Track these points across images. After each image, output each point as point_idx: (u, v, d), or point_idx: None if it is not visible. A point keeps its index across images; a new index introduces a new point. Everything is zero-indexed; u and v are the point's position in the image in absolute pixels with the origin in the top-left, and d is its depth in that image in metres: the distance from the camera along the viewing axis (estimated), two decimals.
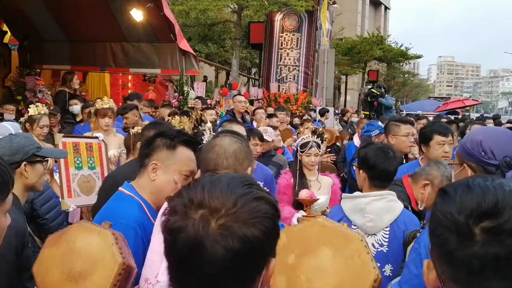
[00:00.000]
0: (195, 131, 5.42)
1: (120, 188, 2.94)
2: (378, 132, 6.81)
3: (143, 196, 2.84)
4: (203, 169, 2.66)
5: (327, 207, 5.25)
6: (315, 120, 14.88)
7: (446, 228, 1.33)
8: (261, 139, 6.21)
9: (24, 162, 3.41)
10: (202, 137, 4.29)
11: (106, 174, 6.24)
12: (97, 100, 7.19)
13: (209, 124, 4.50)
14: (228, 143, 2.66)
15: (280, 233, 1.88)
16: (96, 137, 6.37)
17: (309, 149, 5.51)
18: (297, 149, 5.66)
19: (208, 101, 13.44)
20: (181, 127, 6.64)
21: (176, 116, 7.02)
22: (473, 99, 48.02)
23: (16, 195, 3.32)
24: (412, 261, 2.78)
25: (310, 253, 2.17)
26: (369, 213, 3.58)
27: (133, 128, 5.96)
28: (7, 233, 1.97)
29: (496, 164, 2.35)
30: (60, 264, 2.22)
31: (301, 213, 5.17)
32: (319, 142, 5.64)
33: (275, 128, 8.06)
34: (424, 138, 4.95)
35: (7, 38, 12.42)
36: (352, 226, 3.63)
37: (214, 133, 4.46)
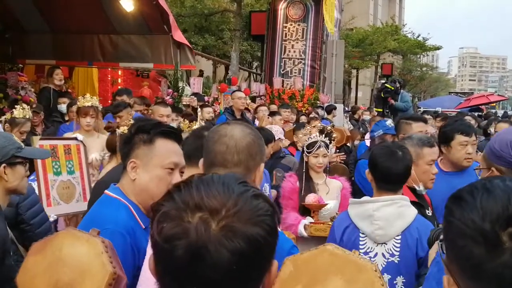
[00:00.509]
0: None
1: (106, 191, 2.91)
2: (382, 132, 6.67)
3: (130, 198, 2.81)
4: (207, 162, 2.51)
5: (336, 213, 5.17)
6: (323, 118, 14.86)
7: (470, 238, 1.30)
8: (271, 140, 6.20)
9: (4, 164, 3.43)
10: None
11: (86, 178, 6.24)
12: (79, 97, 7.18)
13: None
14: (241, 135, 2.48)
15: (287, 261, 2.02)
16: (75, 138, 6.34)
17: (317, 149, 5.46)
18: (303, 150, 5.62)
19: (205, 98, 13.45)
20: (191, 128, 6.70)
21: (185, 120, 7.04)
22: (498, 95, 47.58)
23: None
24: (432, 276, 2.65)
25: (319, 285, 2.12)
26: (378, 220, 3.57)
27: (118, 128, 5.99)
28: None
29: None
30: (46, 274, 2.20)
31: (308, 220, 5.14)
32: (328, 142, 5.62)
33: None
34: (444, 138, 4.91)
35: None
36: (360, 234, 3.66)
37: None
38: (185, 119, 7.24)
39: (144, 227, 2.76)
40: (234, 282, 1.30)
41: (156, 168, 2.79)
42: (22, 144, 3.67)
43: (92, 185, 6.52)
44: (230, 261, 1.26)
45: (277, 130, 7.31)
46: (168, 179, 2.79)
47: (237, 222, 1.28)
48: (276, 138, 6.97)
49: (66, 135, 7.01)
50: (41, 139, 5.39)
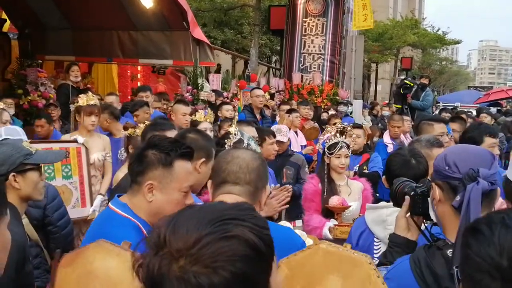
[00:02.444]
0: (223, 132, 5.42)
1: (111, 206, 2.89)
2: None
3: (140, 216, 2.79)
4: (219, 180, 2.65)
5: (359, 215, 5.05)
6: (346, 115, 14.63)
7: (487, 274, 1.31)
8: (274, 136, 6.28)
9: (13, 173, 3.43)
10: (226, 141, 4.35)
11: (87, 182, 6.19)
12: (80, 96, 7.00)
13: (232, 129, 4.48)
14: (251, 158, 2.68)
15: (281, 265, 2.04)
16: (75, 141, 6.27)
17: (339, 150, 5.45)
18: (324, 151, 5.60)
19: (225, 94, 13.43)
20: (207, 120, 6.70)
21: (198, 111, 7.01)
22: None
23: (14, 206, 3.37)
24: None
25: (317, 284, 2.14)
26: (391, 225, 3.52)
27: (126, 129, 5.88)
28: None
29: (460, 177, 2.36)
30: (76, 286, 2.24)
31: (332, 222, 5.15)
32: (348, 142, 5.62)
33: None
34: (473, 142, 4.81)
35: (6, 26, 12.43)
36: (375, 239, 3.69)
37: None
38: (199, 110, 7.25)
39: None
40: None
41: (175, 192, 2.80)
42: (32, 150, 3.63)
43: (97, 186, 6.51)
44: None
45: (285, 131, 7.37)
46: (183, 202, 2.81)
47: (194, 265, 1.29)
48: (284, 140, 7.15)
49: (63, 137, 6.98)
50: (30, 142, 5.20)
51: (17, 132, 4.90)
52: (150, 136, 3.14)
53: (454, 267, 1.98)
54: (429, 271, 2.34)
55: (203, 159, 3.57)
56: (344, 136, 5.65)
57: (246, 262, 1.32)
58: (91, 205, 6.26)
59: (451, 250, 2.32)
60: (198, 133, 3.82)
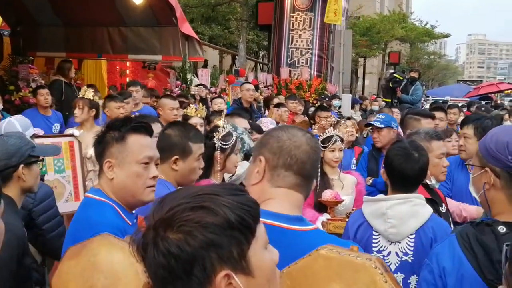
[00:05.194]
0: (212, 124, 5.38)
1: (87, 194, 2.98)
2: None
3: (111, 197, 2.86)
4: (279, 162, 2.31)
5: (352, 209, 5.04)
6: (339, 112, 14.64)
7: None
8: (260, 132, 6.10)
9: (22, 165, 3.47)
10: (214, 134, 4.29)
11: (80, 176, 6.10)
12: (82, 89, 7.17)
13: (220, 122, 4.43)
14: (317, 148, 2.44)
15: (282, 275, 1.92)
16: (71, 135, 6.28)
17: (333, 143, 5.42)
18: None
19: (213, 89, 13.52)
20: (198, 115, 6.64)
21: (190, 105, 7.08)
22: (508, 83, 47.29)
23: (13, 199, 3.43)
24: (423, 281, 2.69)
25: None
26: (391, 218, 3.53)
27: None
28: (8, 239, 2.01)
29: None
30: (81, 279, 2.21)
31: (325, 216, 5.00)
32: (342, 136, 5.62)
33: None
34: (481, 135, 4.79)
35: None
36: (373, 233, 3.63)
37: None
38: (190, 105, 7.28)
39: (130, 223, 2.84)
40: (167, 281, 1.47)
41: (132, 165, 2.84)
42: (34, 143, 3.70)
43: (95, 181, 6.57)
44: (158, 262, 1.45)
45: (266, 122, 7.35)
46: (144, 174, 2.86)
47: (166, 231, 1.44)
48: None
49: (68, 131, 6.99)
50: None
51: (16, 128, 4.96)
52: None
53: (505, 245, 1.98)
54: (478, 244, 2.40)
55: (175, 157, 3.57)
56: (337, 130, 5.68)
57: (213, 230, 1.42)
58: None
59: (502, 226, 2.39)
60: (176, 129, 3.71)
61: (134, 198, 2.88)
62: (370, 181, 6.26)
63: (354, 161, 7.30)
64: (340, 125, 6.38)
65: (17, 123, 5.25)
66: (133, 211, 2.95)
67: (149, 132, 2.97)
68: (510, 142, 2.45)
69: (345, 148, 7.07)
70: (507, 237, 2.35)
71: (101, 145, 2.90)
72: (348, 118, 8.40)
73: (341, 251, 2.03)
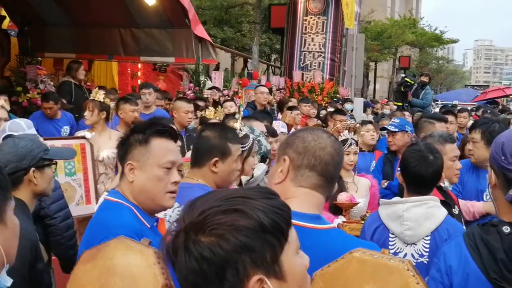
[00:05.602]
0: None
1: (106, 196, 2.92)
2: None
3: (130, 200, 2.81)
4: (303, 162, 2.31)
5: (367, 212, 5.16)
6: (351, 115, 14.43)
7: None
8: (273, 134, 6.10)
9: (33, 168, 3.39)
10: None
11: (92, 179, 6.11)
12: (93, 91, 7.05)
13: (237, 124, 4.32)
14: (341, 151, 2.43)
15: (316, 278, 1.97)
16: (82, 137, 6.22)
17: (348, 147, 5.40)
18: None
19: (225, 92, 13.36)
20: (216, 118, 6.60)
21: (208, 108, 6.87)
22: None
23: (25, 203, 3.37)
24: (431, 279, 2.76)
25: None
26: (407, 220, 3.54)
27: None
28: (20, 244, 1.96)
29: None
30: (97, 283, 2.17)
31: (341, 219, 5.02)
32: (356, 139, 5.62)
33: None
34: (489, 139, 4.89)
35: (5, 23, 12.39)
36: (390, 235, 3.64)
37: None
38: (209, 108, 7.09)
39: (149, 226, 2.79)
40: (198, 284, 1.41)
41: (153, 168, 2.78)
42: (48, 146, 3.61)
43: (107, 185, 6.40)
44: (189, 267, 1.40)
45: (278, 126, 7.19)
46: (166, 178, 2.79)
47: (197, 235, 1.39)
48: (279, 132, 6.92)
49: (78, 133, 6.90)
50: None
51: (22, 127, 4.79)
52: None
53: None
54: (483, 244, 2.47)
55: (215, 158, 3.46)
56: (352, 133, 5.63)
57: (247, 233, 1.38)
58: (97, 202, 6.11)
59: (507, 226, 2.45)
60: (214, 131, 3.62)
61: (154, 202, 2.82)
62: (386, 184, 6.27)
63: (374, 165, 7.25)
64: (357, 130, 6.23)
65: (23, 122, 5.10)
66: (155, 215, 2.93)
67: (174, 137, 2.92)
68: (505, 143, 2.50)
69: (365, 151, 7.33)
70: (511, 237, 2.45)
71: (124, 147, 2.86)
72: (370, 122, 8.29)
73: (374, 254, 2.05)
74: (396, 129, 6.52)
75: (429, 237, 3.53)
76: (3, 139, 4.09)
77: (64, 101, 9.40)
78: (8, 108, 7.86)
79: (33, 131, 4.84)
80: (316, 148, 2.31)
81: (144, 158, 2.78)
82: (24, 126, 4.86)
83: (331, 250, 2.11)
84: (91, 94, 7.04)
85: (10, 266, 1.90)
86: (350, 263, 2.03)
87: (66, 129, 8.68)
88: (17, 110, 9.25)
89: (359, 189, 5.39)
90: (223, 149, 3.49)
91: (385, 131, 7.05)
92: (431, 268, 2.83)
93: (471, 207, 4.97)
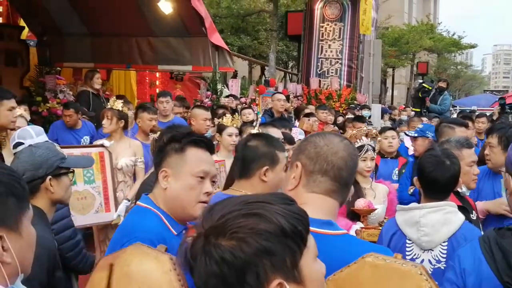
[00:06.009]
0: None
1: (137, 202, 2.94)
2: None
3: (160, 207, 2.81)
4: (316, 168, 2.28)
5: (384, 218, 5.09)
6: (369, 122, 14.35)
7: None
8: (290, 142, 6.06)
9: (49, 177, 3.39)
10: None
11: (111, 187, 6.12)
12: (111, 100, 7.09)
13: (254, 131, 4.30)
14: (355, 155, 2.39)
15: (328, 283, 1.95)
16: (101, 145, 6.23)
17: (365, 153, 5.37)
18: None
19: (242, 99, 13.33)
20: (234, 125, 6.57)
21: (226, 115, 6.85)
22: None
23: (43, 211, 3.36)
24: (446, 281, 2.77)
25: None
26: (424, 226, 3.52)
27: (154, 132, 5.86)
28: (38, 252, 1.94)
29: None
30: None
31: (359, 225, 4.99)
32: (374, 145, 5.60)
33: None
34: (505, 144, 4.84)
35: (24, 34, 12.45)
36: (407, 241, 3.62)
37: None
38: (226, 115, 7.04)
39: (176, 233, 2.75)
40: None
41: (187, 177, 2.78)
42: (65, 154, 3.61)
43: (126, 192, 6.41)
44: (209, 270, 1.41)
45: (295, 133, 7.19)
46: (198, 188, 2.79)
47: (217, 238, 1.41)
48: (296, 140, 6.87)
49: (97, 142, 6.87)
50: None
51: (30, 134, 4.65)
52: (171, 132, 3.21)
53: None
54: (498, 247, 2.50)
55: (266, 167, 3.46)
56: (369, 139, 5.62)
57: (267, 237, 1.40)
58: (116, 210, 6.16)
59: None
60: (260, 139, 3.61)
61: (184, 211, 2.80)
62: (411, 190, 6.21)
63: (397, 172, 7.25)
64: (375, 135, 6.19)
65: (31, 129, 4.99)
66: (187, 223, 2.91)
67: (210, 149, 2.93)
68: None
69: (388, 158, 7.34)
70: None
71: (160, 154, 2.89)
72: (392, 129, 8.25)
73: (387, 259, 2.03)
74: (416, 134, 6.56)
75: (446, 243, 3.50)
76: (14, 146, 4.11)
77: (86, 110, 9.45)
78: (28, 117, 7.89)
79: (43, 138, 4.80)
80: (328, 153, 2.28)
81: (179, 166, 2.79)
82: (32, 133, 4.77)
83: (342, 256, 2.09)
84: (108, 103, 7.05)
85: (25, 276, 1.88)
86: (363, 268, 2.03)
87: (86, 139, 8.72)
88: (37, 120, 9.28)
89: (377, 195, 5.33)
90: (272, 157, 3.48)
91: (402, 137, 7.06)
92: (447, 270, 2.85)
93: (477, 204, 4.92)
